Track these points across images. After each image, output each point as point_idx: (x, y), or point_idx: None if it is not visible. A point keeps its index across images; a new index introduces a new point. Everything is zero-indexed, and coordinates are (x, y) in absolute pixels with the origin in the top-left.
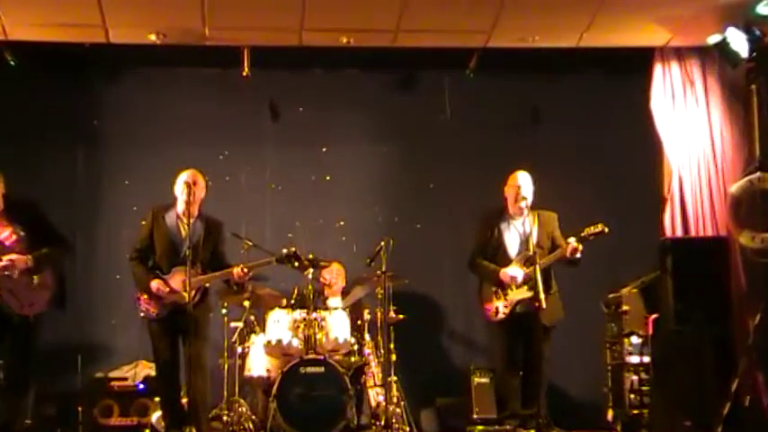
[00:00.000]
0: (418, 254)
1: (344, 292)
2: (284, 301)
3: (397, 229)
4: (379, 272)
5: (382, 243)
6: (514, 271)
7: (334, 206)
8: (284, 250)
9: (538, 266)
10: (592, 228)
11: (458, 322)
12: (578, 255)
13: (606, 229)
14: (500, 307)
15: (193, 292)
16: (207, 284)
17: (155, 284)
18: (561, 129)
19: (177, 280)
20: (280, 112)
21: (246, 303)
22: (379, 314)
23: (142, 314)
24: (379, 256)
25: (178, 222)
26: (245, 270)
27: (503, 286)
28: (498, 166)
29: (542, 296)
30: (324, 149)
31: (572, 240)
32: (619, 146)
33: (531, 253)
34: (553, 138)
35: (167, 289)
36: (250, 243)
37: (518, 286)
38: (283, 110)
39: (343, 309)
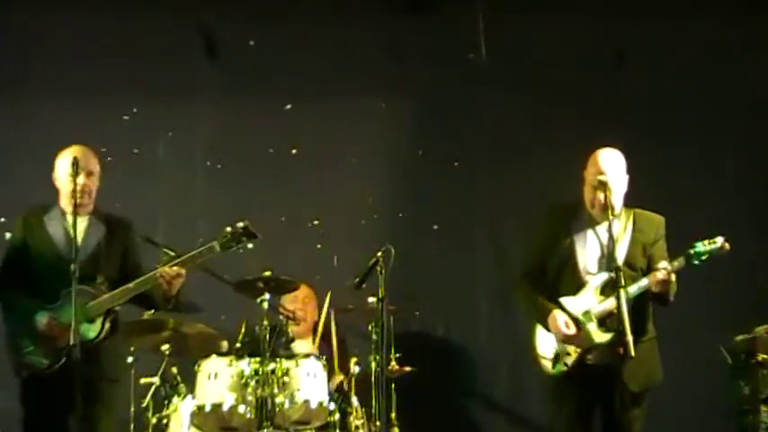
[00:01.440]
0: (435, 271)
1: (319, 331)
2: (225, 344)
3: (403, 233)
4: (373, 299)
5: (379, 254)
6: (582, 303)
7: (305, 195)
8: (228, 228)
9: (623, 292)
10: (704, 244)
11: (497, 378)
12: (670, 290)
13: (726, 245)
14: (560, 354)
15: (98, 324)
16: (116, 307)
17: (42, 320)
18: (658, 78)
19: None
20: (218, 47)
21: (165, 347)
22: (373, 365)
23: (19, 370)
24: (373, 274)
25: (65, 226)
26: (174, 269)
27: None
28: (563, 138)
29: (629, 338)
30: (288, 106)
31: (663, 266)
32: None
33: (612, 274)
34: (647, 92)
35: (57, 326)
36: (172, 253)
37: (574, 337)
38: (225, 42)
39: (318, 356)
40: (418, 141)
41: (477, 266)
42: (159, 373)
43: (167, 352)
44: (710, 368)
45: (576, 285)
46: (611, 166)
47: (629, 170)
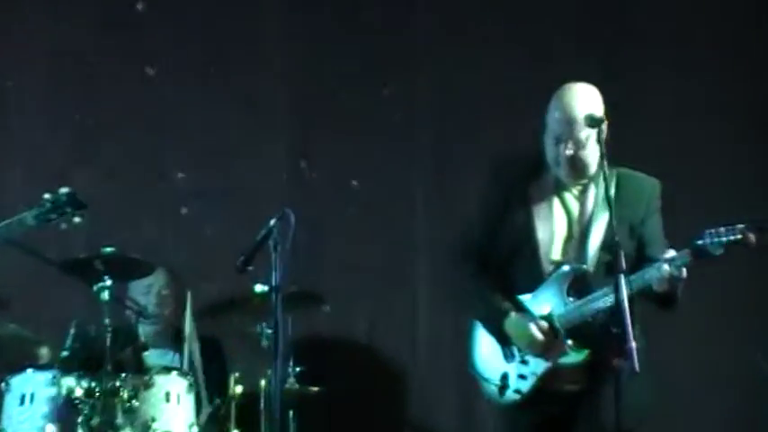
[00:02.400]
0: (354, 248)
1: (181, 332)
2: (45, 352)
3: (309, 191)
4: (263, 287)
5: (272, 222)
6: (542, 304)
7: (166, 129)
8: (47, 195)
9: (622, 280)
10: (725, 234)
11: (440, 404)
12: (676, 287)
13: (752, 237)
14: (512, 376)
15: None
16: None
17: None
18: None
19: None
20: None
21: None
22: (263, 383)
23: None
24: (263, 250)
25: None
26: None
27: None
28: (534, 68)
29: (633, 345)
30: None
31: (671, 255)
32: None
33: (585, 266)
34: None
35: None
36: None
37: (546, 350)
38: None
39: (183, 371)
40: (325, 59)
41: (417, 243)
42: None
43: None
44: (743, 383)
45: (534, 277)
46: (582, 105)
47: (610, 114)
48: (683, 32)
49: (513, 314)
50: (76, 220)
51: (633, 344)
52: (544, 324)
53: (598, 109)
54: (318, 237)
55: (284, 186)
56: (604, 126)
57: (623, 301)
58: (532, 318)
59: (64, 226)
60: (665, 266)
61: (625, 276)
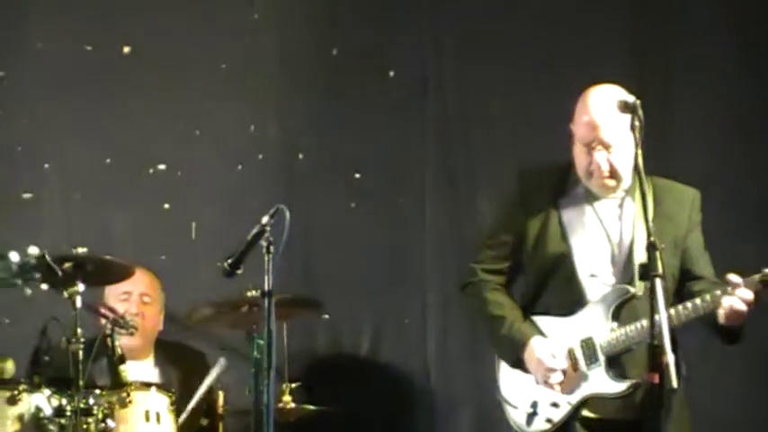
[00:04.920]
0: (356, 248)
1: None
2: (10, 367)
3: (305, 185)
4: (252, 291)
5: (265, 219)
6: (582, 327)
7: (143, 119)
8: (13, 254)
9: (659, 285)
10: None
11: (454, 427)
12: (742, 317)
13: None
14: (542, 403)
15: None
16: None
17: None
18: None
19: None
20: None
21: None
22: (253, 399)
23: None
24: (255, 252)
25: None
26: None
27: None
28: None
29: (670, 359)
30: None
31: (736, 281)
32: None
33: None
34: None
35: None
36: None
37: (565, 383)
38: None
39: (164, 387)
40: (330, 36)
41: (427, 242)
42: None
43: None
44: None
45: (571, 297)
46: (608, 101)
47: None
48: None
49: (531, 342)
50: (44, 287)
51: (671, 356)
52: (557, 350)
53: (629, 98)
54: (315, 236)
55: (277, 180)
56: (640, 115)
57: (661, 307)
58: (546, 344)
59: (29, 292)
60: (728, 299)
61: (663, 280)
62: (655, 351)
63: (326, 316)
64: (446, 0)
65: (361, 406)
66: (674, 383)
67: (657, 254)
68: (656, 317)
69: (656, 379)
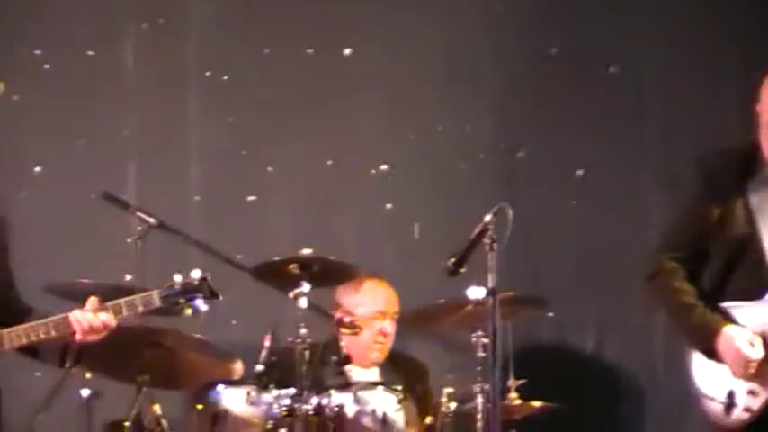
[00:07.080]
0: (579, 245)
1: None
2: (239, 367)
3: (525, 182)
4: (475, 291)
5: (487, 218)
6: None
7: (357, 121)
8: (178, 277)
9: None
10: None
11: (681, 424)
12: None
13: None
14: (740, 392)
15: None
16: None
17: None
18: None
19: None
20: None
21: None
22: (480, 399)
23: None
24: (478, 251)
25: None
26: (98, 316)
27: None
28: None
29: None
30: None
31: None
32: None
33: None
34: None
35: None
36: (150, 220)
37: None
38: None
39: (392, 386)
40: (547, 35)
41: (650, 240)
42: (133, 412)
43: (144, 381)
44: None
45: (759, 283)
46: None
47: None
48: None
49: (727, 331)
50: (203, 309)
51: None
52: (754, 338)
53: None
54: (538, 234)
55: (498, 178)
56: None
57: None
58: (741, 333)
59: (189, 313)
60: None
61: None
62: None
63: (551, 314)
64: None
65: (587, 404)
66: None
67: None
68: None
69: None
